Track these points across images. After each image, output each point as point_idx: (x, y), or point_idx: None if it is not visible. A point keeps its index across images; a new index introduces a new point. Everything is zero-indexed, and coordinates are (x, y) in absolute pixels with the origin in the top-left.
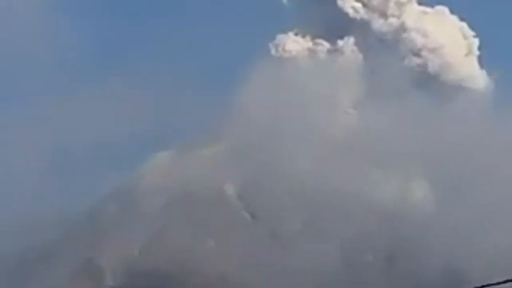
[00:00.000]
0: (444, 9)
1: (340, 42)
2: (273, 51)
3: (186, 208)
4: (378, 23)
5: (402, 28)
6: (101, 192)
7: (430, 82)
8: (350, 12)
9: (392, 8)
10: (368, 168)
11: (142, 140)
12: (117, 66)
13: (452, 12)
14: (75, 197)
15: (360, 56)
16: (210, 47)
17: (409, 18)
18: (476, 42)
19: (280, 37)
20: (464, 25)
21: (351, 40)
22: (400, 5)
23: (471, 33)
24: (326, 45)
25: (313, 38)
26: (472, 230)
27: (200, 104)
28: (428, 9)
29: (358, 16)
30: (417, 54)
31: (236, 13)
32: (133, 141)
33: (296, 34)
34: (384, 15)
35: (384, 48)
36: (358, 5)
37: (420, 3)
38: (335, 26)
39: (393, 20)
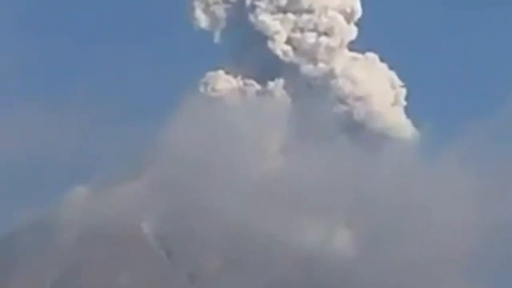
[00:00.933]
0: (374, 57)
1: (270, 84)
2: (201, 89)
3: (101, 245)
4: (307, 68)
5: (331, 74)
6: (15, 223)
7: (357, 130)
8: (280, 54)
9: (321, 53)
10: (292, 213)
11: (61, 173)
12: (36, 94)
13: (382, 60)
14: None
15: (289, 100)
16: (137, 81)
17: (338, 64)
18: (403, 92)
19: (210, 75)
20: (392, 74)
21: (281, 82)
22: (330, 51)
23: (399, 82)
24: (256, 86)
25: (244, 78)
26: (392, 280)
27: (123, 140)
28: (359, 56)
29: (287, 59)
30: (343, 101)
31: (166, 49)
32: (52, 174)
33: (227, 73)
34: (313, 59)
35: (313, 93)
36: (288, 48)
37: (350, 49)
38: (266, 67)
39: (322, 66)
